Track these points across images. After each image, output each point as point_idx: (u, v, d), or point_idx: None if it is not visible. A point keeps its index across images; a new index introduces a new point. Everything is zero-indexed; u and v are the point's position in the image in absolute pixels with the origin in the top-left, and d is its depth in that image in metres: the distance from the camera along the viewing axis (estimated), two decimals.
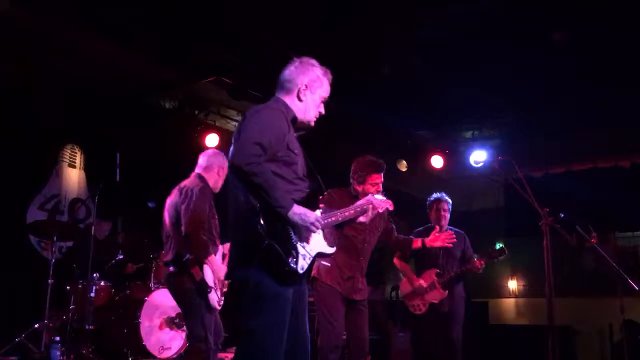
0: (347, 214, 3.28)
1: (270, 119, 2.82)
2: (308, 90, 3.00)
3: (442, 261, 5.58)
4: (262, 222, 2.63)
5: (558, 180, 8.49)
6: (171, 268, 4.06)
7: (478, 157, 7.46)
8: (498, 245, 5.78)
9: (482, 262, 5.47)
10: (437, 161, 8.42)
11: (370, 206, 3.50)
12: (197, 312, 3.96)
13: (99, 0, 5.34)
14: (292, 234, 2.74)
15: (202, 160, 4.35)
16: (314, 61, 3.10)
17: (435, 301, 5.46)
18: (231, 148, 2.74)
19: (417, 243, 4.87)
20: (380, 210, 3.64)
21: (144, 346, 5.61)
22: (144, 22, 5.61)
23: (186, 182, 4.16)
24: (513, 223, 9.34)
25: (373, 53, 6.23)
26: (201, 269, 3.97)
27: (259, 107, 2.92)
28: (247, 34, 5.88)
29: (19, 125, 6.51)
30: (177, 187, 4.17)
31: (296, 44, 5.96)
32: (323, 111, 3.09)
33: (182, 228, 3.95)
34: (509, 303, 10.79)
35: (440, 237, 4.72)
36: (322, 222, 2.90)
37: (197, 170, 4.31)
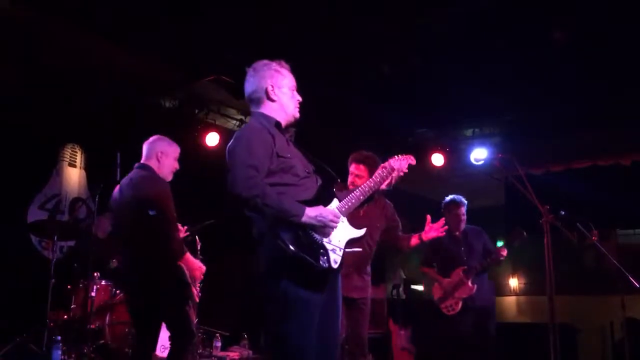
0: (367, 188, 3.11)
1: (252, 138, 2.85)
2: (275, 89, 3.04)
3: (465, 257, 5.81)
4: (281, 233, 2.68)
5: (559, 178, 8.47)
6: None
7: (479, 155, 7.43)
8: (501, 245, 5.94)
9: (504, 250, 5.70)
10: (437, 159, 8.42)
11: (388, 170, 3.34)
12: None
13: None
14: (315, 235, 2.78)
15: (144, 150, 4.23)
16: (264, 61, 3.13)
17: (466, 296, 5.66)
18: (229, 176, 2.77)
19: (415, 239, 4.72)
20: (404, 169, 3.48)
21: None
22: (144, 21, 5.60)
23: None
24: (514, 221, 9.33)
25: (373, 52, 6.22)
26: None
27: (238, 132, 2.96)
28: (247, 32, 5.87)
29: (19, 125, 6.51)
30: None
31: (296, 41, 5.97)
32: (300, 98, 3.10)
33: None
34: (510, 301, 10.79)
35: (434, 227, 4.49)
36: (343, 211, 2.95)
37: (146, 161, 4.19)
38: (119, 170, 5.75)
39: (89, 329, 5.72)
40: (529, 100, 7.30)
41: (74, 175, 7.48)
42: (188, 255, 4.04)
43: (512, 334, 8.51)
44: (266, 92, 3.04)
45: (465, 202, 5.99)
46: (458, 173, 8.99)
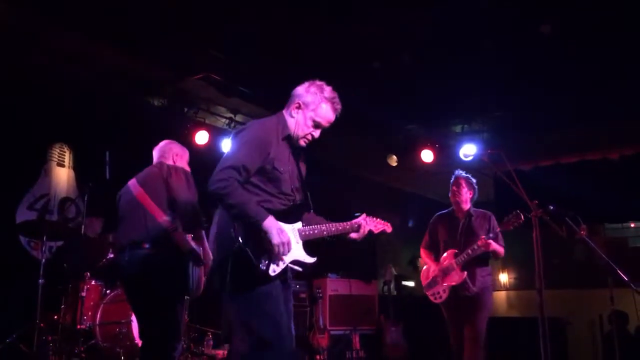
0: (334, 229, 3.23)
1: (255, 136, 3.00)
2: (300, 110, 3.12)
3: (460, 240, 5.23)
4: (235, 227, 2.80)
5: (547, 173, 8.53)
6: None
7: (468, 151, 7.48)
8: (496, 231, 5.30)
9: (489, 241, 5.02)
10: (427, 155, 8.44)
11: (363, 224, 3.41)
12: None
13: None
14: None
15: (156, 153, 4.28)
16: (326, 87, 3.16)
17: (454, 283, 5.10)
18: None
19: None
20: (375, 232, 3.54)
21: (137, 345, 5.59)
22: (132, 20, 5.58)
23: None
24: (503, 216, 9.37)
25: (363, 48, 6.23)
26: None
27: (252, 124, 3.11)
28: (235, 30, 5.86)
29: (6, 125, 6.46)
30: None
31: (286, 40, 5.97)
32: (317, 135, 3.19)
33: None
34: (501, 296, 10.86)
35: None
36: (303, 234, 3.06)
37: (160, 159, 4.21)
38: (108, 169, 5.73)
39: (80, 329, 5.71)
40: (518, 96, 7.33)
41: (62, 175, 7.44)
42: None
43: (503, 328, 8.57)
44: (294, 104, 3.14)
45: (466, 176, 5.43)
46: (447, 169, 9.01)
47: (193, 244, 3.88)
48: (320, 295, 7.76)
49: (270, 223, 2.82)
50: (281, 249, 2.83)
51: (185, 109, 7.62)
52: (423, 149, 8.45)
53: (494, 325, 9.14)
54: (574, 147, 8.43)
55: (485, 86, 6.96)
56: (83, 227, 5.76)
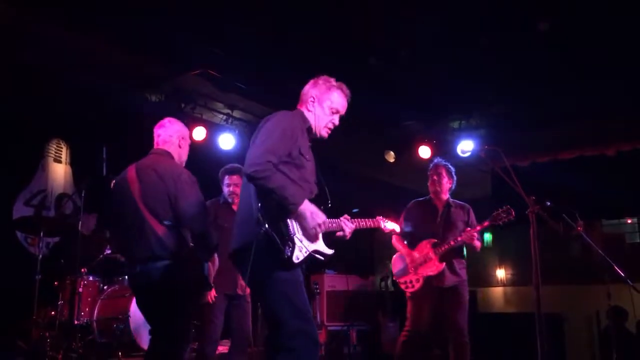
0: (329, 225, 3.26)
1: (284, 123, 3.10)
2: (316, 102, 3.29)
3: (440, 231, 5.11)
4: (263, 212, 2.88)
5: (544, 169, 8.54)
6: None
7: (465, 147, 7.48)
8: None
9: (474, 232, 4.97)
10: (424, 151, 8.44)
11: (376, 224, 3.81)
12: None
13: None
14: (291, 227, 2.96)
15: (163, 132, 3.92)
16: (331, 78, 3.35)
17: (431, 274, 4.99)
18: (248, 152, 2.98)
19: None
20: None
21: (134, 341, 5.60)
22: (129, 15, 5.56)
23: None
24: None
25: (360, 43, 6.22)
26: None
27: (282, 114, 3.19)
28: (233, 26, 5.85)
29: (3, 121, 6.45)
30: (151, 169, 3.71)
31: (282, 35, 5.96)
32: (337, 122, 3.35)
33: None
34: (497, 292, 10.88)
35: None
36: (327, 226, 3.16)
37: (164, 147, 3.89)
38: (105, 165, 5.73)
39: (77, 324, 5.71)
40: (515, 92, 7.33)
41: (59, 171, 7.43)
42: None
43: (500, 324, 8.59)
44: (309, 100, 3.29)
45: (446, 165, 5.30)
46: None
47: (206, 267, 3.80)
48: (318, 290, 7.76)
49: (307, 206, 2.94)
50: (318, 229, 2.98)
51: (183, 105, 7.59)
52: (420, 145, 8.45)
53: (490, 321, 9.20)
54: (571, 143, 8.44)
55: (483, 82, 6.95)
56: (79, 224, 5.75)
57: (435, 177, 5.24)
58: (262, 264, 2.89)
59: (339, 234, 3.35)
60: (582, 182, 7.99)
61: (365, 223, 3.66)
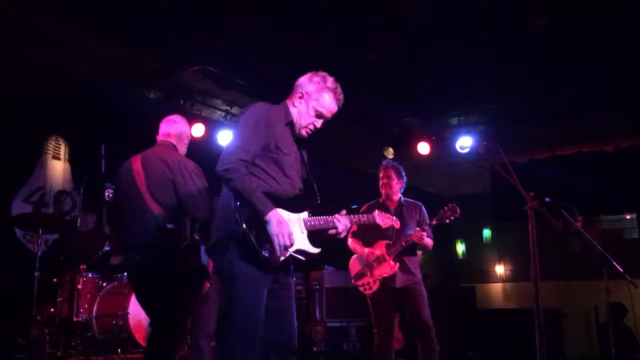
0: (322, 222, 3.16)
1: (256, 116, 2.99)
2: (303, 100, 3.13)
3: (392, 232, 5.00)
4: (241, 211, 2.78)
5: (543, 165, 8.55)
6: None
7: (464, 143, 7.47)
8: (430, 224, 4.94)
9: (422, 233, 4.87)
10: (423, 148, 8.45)
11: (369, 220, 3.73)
12: None
13: None
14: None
15: (172, 128, 4.01)
16: (329, 78, 3.17)
17: (386, 275, 4.97)
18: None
19: None
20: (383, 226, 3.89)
21: (133, 337, 5.61)
22: (129, 11, 5.55)
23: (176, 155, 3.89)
24: (499, 208, 9.43)
25: (358, 39, 6.21)
26: None
27: (251, 105, 3.08)
28: (233, 22, 5.84)
29: (2, 118, 6.44)
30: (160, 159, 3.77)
31: (280, 32, 5.95)
32: (319, 126, 3.19)
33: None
34: (497, 287, 10.91)
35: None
36: (308, 224, 3.05)
37: (170, 140, 3.97)
38: (103, 162, 5.72)
39: (76, 321, 5.71)
40: (514, 89, 7.34)
41: (58, 168, 7.42)
42: None
43: (499, 319, 8.61)
44: (298, 95, 3.15)
45: (394, 166, 5.22)
46: (444, 161, 9.05)
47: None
48: (317, 287, 7.77)
49: (272, 215, 2.78)
50: (280, 240, 2.76)
51: (182, 102, 7.59)
52: (419, 142, 8.45)
53: (489, 317, 9.22)
54: (570, 139, 8.44)
55: (482, 78, 6.95)
56: (78, 221, 5.75)
57: (385, 180, 5.19)
58: (235, 260, 2.83)
59: (332, 232, 3.17)
60: (581, 178, 8.00)
61: (360, 219, 3.57)
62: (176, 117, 4.07)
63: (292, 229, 2.89)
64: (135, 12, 5.57)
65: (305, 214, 3.07)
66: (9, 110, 6.47)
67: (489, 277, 11.01)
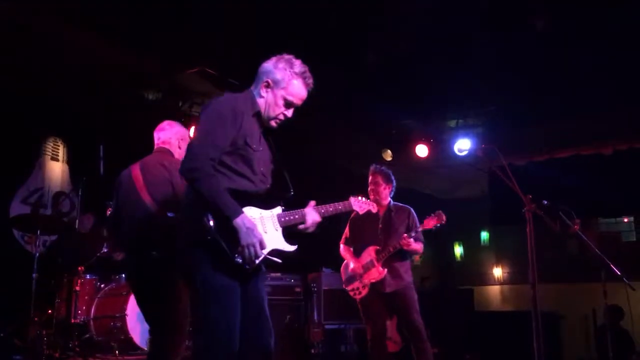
0: (297, 216, 2.99)
1: (222, 109, 2.78)
2: (270, 89, 2.91)
3: (381, 236, 5.07)
4: (209, 216, 2.61)
5: (541, 167, 8.56)
6: None
7: (462, 145, 7.49)
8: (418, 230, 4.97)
9: (409, 240, 4.86)
10: (421, 150, 8.46)
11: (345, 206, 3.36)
12: None
13: None
14: None
15: (163, 135, 4.03)
16: (295, 61, 2.94)
17: (375, 280, 4.97)
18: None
19: None
20: (361, 212, 3.53)
21: (131, 339, 5.60)
22: (127, 12, 5.55)
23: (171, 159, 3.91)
24: (497, 211, 9.43)
25: (357, 42, 6.22)
26: None
27: (215, 97, 2.90)
28: (231, 24, 5.84)
29: (0, 119, 6.44)
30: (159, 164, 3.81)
31: (279, 33, 5.95)
32: (289, 115, 2.97)
33: None
34: (494, 290, 10.91)
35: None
36: (282, 220, 2.89)
37: (165, 146, 3.99)
38: (102, 163, 5.72)
39: (74, 323, 5.71)
40: (512, 91, 7.34)
41: (56, 169, 7.42)
42: None
43: (497, 322, 8.62)
44: (263, 83, 2.92)
45: (382, 170, 5.19)
46: (442, 164, 9.05)
47: None
48: (315, 289, 7.76)
49: (240, 221, 2.60)
50: (250, 251, 2.61)
51: (180, 103, 7.59)
52: (418, 144, 8.46)
53: (487, 319, 9.22)
54: (568, 142, 8.46)
55: (480, 81, 6.96)
56: (77, 222, 5.75)
57: (372, 186, 5.17)
58: (206, 271, 2.66)
59: (301, 226, 2.96)
60: (579, 180, 8.01)
61: (335, 207, 3.22)
62: (166, 124, 4.06)
63: (266, 228, 2.78)
64: (135, 12, 5.57)
65: (279, 209, 2.91)
66: (8, 111, 6.47)
67: (487, 279, 11.01)
